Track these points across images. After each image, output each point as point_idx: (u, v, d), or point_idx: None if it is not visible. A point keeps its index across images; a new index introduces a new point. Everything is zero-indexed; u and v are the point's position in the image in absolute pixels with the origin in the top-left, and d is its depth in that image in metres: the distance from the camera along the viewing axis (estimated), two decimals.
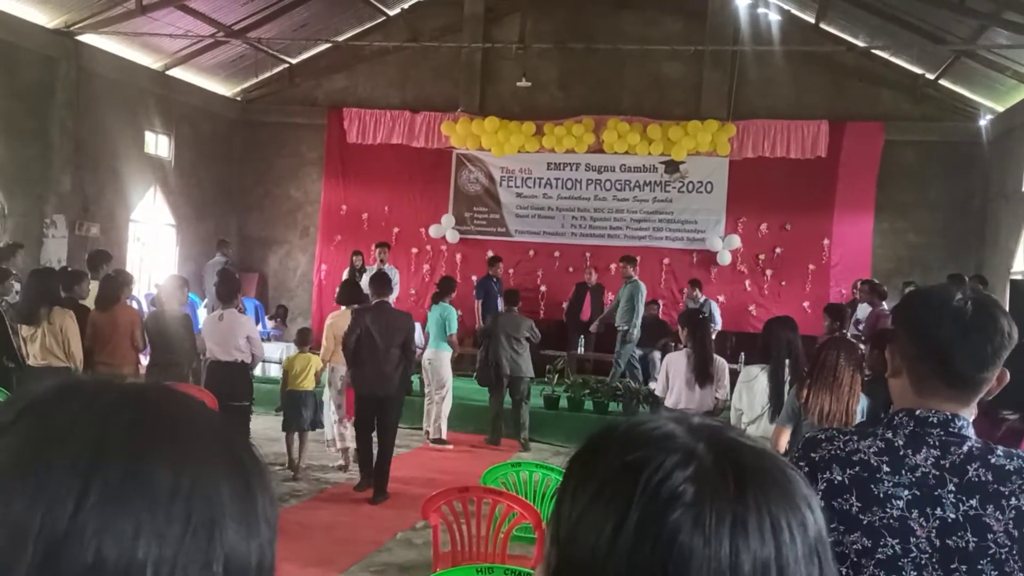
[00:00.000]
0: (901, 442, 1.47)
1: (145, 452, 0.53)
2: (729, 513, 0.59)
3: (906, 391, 1.51)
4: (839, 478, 1.46)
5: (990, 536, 1.39)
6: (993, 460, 1.43)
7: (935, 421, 1.46)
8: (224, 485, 0.54)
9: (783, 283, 12.70)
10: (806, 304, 12.45)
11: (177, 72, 12.90)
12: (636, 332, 10.42)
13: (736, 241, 12.67)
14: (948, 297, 1.47)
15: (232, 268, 11.33)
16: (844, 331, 6.38)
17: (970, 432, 1.47)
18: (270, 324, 12.20)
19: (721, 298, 12.46)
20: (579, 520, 0.63)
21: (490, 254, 12.54)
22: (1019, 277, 10.42)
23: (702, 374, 5.56)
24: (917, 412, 1.47)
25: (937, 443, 1.45)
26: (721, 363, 5.78)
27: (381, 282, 7.33)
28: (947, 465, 1.43)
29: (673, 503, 0.60)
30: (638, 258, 11.31)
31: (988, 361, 1.44)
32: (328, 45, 13.78)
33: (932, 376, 1.47)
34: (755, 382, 4.64)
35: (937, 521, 1.42)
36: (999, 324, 1.45)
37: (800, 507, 0.62)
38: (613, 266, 12.99)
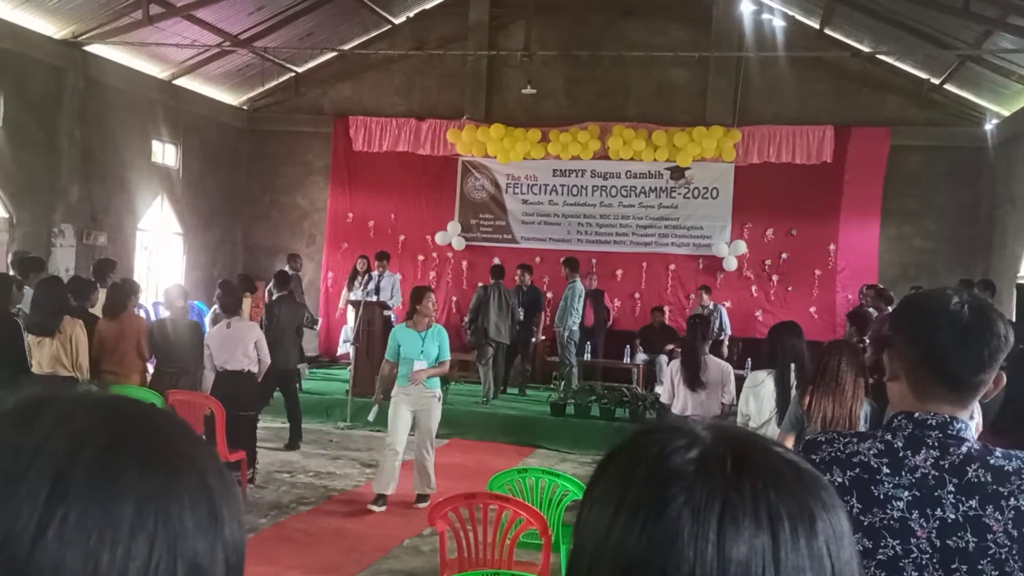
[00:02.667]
0: (900, 444, 1.48)
1: (108, 485, 0.51)
2: (720, 497, 0.58)
3: (905, 395, 1.53)
4: (839, 480, 1.48)
5: (990, 536, 1.40)
6: (992, 461, 1.44)
7: (934, 424, 1.47)
8: (188, 515, 0.53)
9: (789, 289, 12.68)
10: (812, 310, 12.43)
11: (184, 82, 12.97)
12: (573, 333, 10.85)
13: (742, 247, 12.66)
14: (945, 301, 1.49)
15: (296, 280, 11.69)
16: (865, 339, 6.34)
17: (968, 434, 1.48)
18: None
19: (727, 304, 12.46)
20: (591, 508, 0.64)
21: (496, 261, 12.47)
22: None
23: (691, 377, 5.50)
24: (916, 415, 1.49)
25: (936, 444, 1.46)
26: (726, 367, 5.69)
27: (281, 279, 9.15)
28: (946, 466, 1.45)
29: (669, 483, 0.60)
30: (578, 260, 11.53)
31: (986, 364, 1.46)
32: (334, 54, 13.84)
33: (931, 380, 1.49)
34: (762, 387, 4.62)
35: (937, 522, 1.43)
36: (995, 327, 1.47)
37: (810, 507, 0.60)
38: (620, 272, 13.02)
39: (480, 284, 11.45)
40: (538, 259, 13.30)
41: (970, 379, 1.47)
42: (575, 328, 10.94)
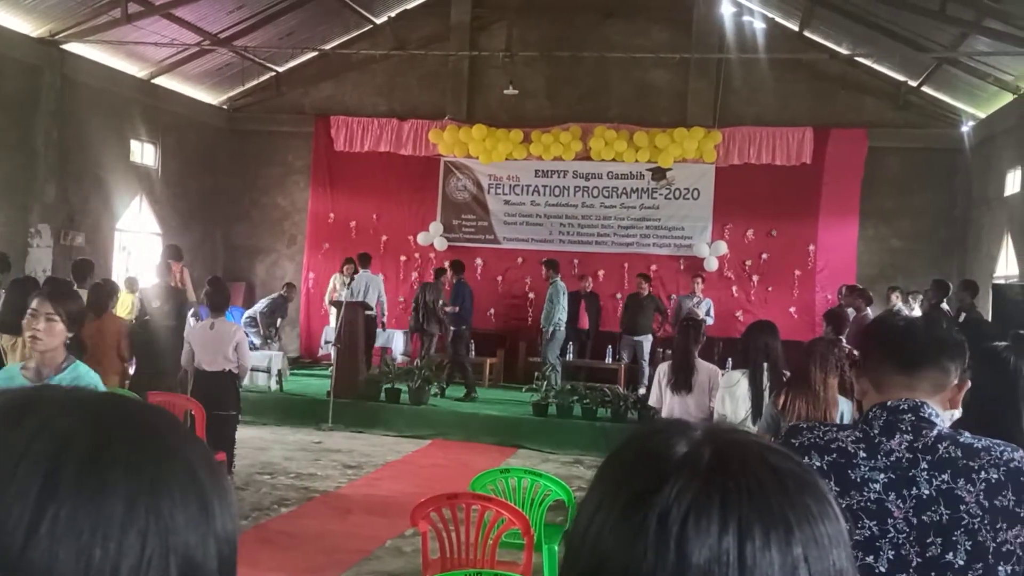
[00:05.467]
0: (876, 431, 1.56)
1: (98, 482, 0.51)
2: (688, 500, 0.58)
3: (871, 396, 1.65)
4: (817, 463, 1.55)
5: (962, 507, 1.47)
6: (962, 440, 1.53)
7: (905, 408, 1.56)
8: (179, 509, 0.53)
9: (769, 289, 12.77)
10: (792, 309, 12.53)
11: (163, 81, 12.87)
12: (560, 332, 10.93)
13: (723, 247, 12.74)
14: (894, 313, 1.70)
15: (285, 305, 12.13)
16: (841, 337, 6.37)
17: (939, 421, 1.57)
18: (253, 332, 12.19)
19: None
20: (583, 504, 0.65)
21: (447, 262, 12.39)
22: (1001, 282, 10.52)
23: (679, 381, 5.39)
24: (888, 403, 1.58)
25: (909, 428, 1.54)
26: (714, 370, 5.52)
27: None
28: (919, 447, 1.53)
29: (644, 483, 0.60)
30: (559, 261, 11.64)
31: (935, 348, 1.60)
32: (315, 53, 13.79)
33: (889, 371, 1.61)
34: (737, 387, 4.63)
35: (913, 500, 1.50)
36: (940, 323, 1.65)
37: (787, 515, 0.58)
38: (602, 272, 13.06)
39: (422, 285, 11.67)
40: (520, 259, 13.33)
41: (922, 359, 1.59)
42: (561, 328, 10.96)
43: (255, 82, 14.13)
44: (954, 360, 1.60)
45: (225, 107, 14.44)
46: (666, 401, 5.49)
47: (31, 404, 0.55)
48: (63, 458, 0.52)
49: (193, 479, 0.56)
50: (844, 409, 3.72)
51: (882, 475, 1.52)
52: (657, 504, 0.58)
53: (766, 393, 4.35)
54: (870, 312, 9.39)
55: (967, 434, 1.54)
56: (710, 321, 11.20)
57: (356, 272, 11.70)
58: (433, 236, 13.42)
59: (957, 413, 3.49)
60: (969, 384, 1.62)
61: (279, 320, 12.20)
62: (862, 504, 1.51)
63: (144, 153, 12.78)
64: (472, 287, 11.99)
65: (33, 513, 0.50)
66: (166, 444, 0.56)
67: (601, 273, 13.07)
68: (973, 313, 8.51)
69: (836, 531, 0.60)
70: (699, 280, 11.82)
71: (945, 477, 1.48)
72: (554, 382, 10.21)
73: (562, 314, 10.97)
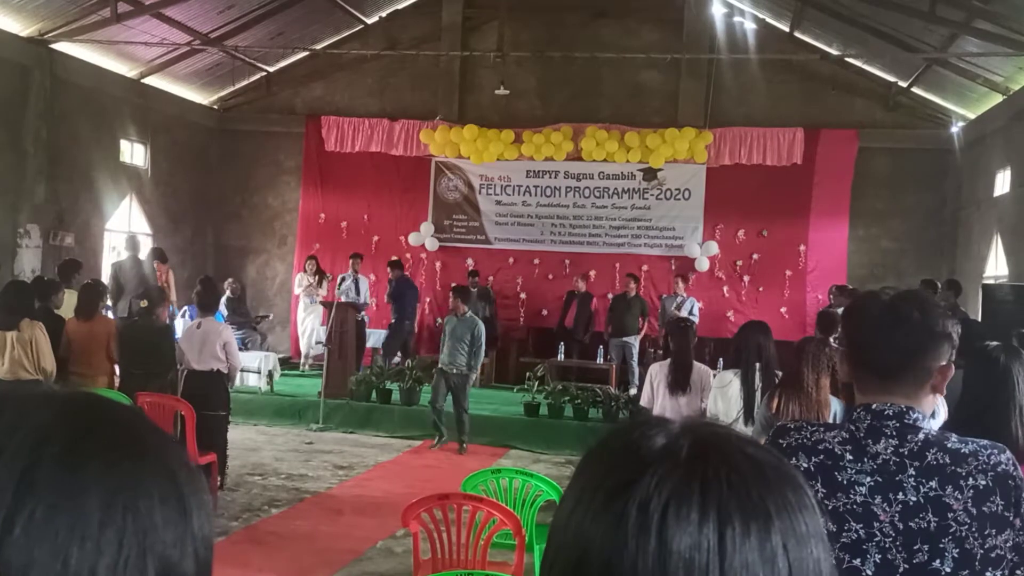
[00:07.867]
0: (862, 434, 1.55)
1: (75, 480, 0.51)
2: (668, 489, 0.58)
3: (856, 393, 1.64)
4: (805, 465, 1.54)
5: (950, 515, 1.46)
6: (949, 445, 1.52)
7: (890, 413, 1.55)
8: (157, 509, 0.53)
9: (760, 289, 12.80)
10: (783, 310, 12.56)
11: (153, 80, 12.82)
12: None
13: (714, 247, 12.76)
14: (869, 302, 1.65)
15: (241, 301, 12.54)
16: (831, 337, 6.37)
17: (924, 424, 1.55)
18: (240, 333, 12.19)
19: (700, 304, 12.57)
20: (562, 500, 0.65)
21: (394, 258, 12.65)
22: (991, 282, 10.57)
23: (678, 382, 5.41)
24: (873, 406, 1.56)
25: (894, 433, 1.53)
26: (706, 371, 5.59)
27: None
28: (906, 452, 1.52)
29: (623, 474, 0.60)
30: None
31: (911, 350, 1.55)
32: (306, 53, 13.76)
33: (864, 372, 1.60)
34: (730, 387, 4.64)
35: (900, 505, 1.49)
36: (910, 316, 1.56)
37: (766, 505, 0.58)
38: (593, 272, 13.07)
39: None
40: (511, 260, 13.32)
41: (893, 364, 1.55)
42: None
43: (246, 82, 14.09)
44: (937, 358, 1.56)
45: (215, 107, 14.39)
46: (659, 401, 5.51)
47: (4, 402, 0.54)
48: (39, 455, 0.51)
49: (170, 478, 0.55)
50: (837, 409, 3.71)
51: (868, 478, 1.51)
52: (637, 494, 0.58)
53: (758, 394, 4.36)
54: None
55: (954, 437, 1.53)
56: (695, 319, 11.23)
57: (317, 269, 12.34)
58: (424, 236, 13.40)
59: (943, 412, 3.49)
60: (953, 370, 1.59)
61: (245, 321, 12.21)
62: (848, 507, 1.50)
63: (134, 153, 12.73)
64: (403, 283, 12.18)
65: (10, 511, 0.49)
66: (143, 442, 0.56)
67: (592, 273, 13.07)
68: (958, 313, 8.56)
69: (814, 522, 0.61)
70: (679, 280, 11.86)
71: (933, 484, 1.47)
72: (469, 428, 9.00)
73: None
